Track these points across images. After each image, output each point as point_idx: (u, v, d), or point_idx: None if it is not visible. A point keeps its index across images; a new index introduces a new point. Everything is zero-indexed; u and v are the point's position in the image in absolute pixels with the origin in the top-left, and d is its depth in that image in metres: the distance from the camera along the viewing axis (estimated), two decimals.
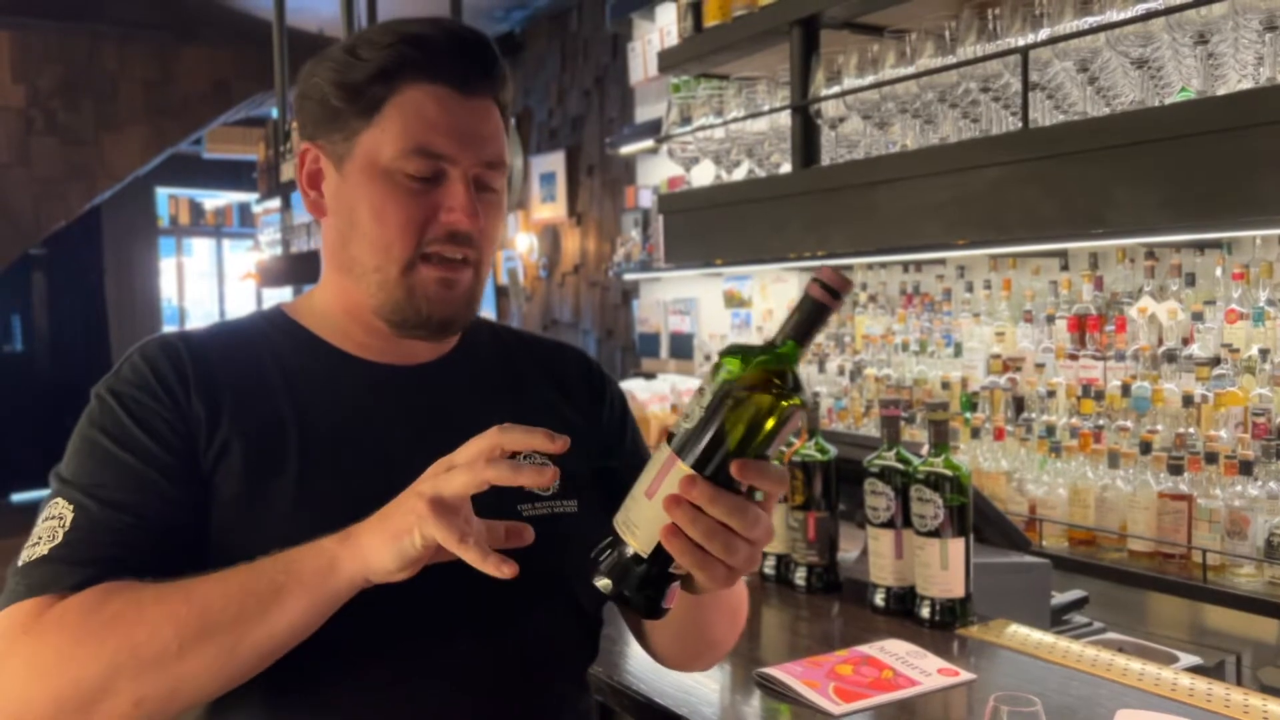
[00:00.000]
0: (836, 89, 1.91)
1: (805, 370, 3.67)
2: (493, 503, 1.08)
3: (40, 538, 0.96)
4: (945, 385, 3.08)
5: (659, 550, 0.84)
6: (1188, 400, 2.39)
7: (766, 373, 0.83)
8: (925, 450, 1.73)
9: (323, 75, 1.08)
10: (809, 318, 0.85)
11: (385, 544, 0.86)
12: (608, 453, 1.21)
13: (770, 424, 0.83)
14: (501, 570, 0.82)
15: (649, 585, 0.87)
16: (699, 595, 0.93)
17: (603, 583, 0.87)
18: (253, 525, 0.99)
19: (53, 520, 0.96)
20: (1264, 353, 2.38)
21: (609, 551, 0.87)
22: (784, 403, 0.83)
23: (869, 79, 1.85)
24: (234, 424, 1.03)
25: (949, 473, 1.65)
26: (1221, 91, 1.43)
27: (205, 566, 0.95)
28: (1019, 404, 2.78)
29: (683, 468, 0.83)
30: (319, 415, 1.07)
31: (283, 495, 1.01)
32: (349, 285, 1.10)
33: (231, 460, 1.01)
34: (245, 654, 0.89)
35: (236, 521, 1.00)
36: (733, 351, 0.85)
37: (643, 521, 0.85)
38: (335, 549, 0.89)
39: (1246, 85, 1.44)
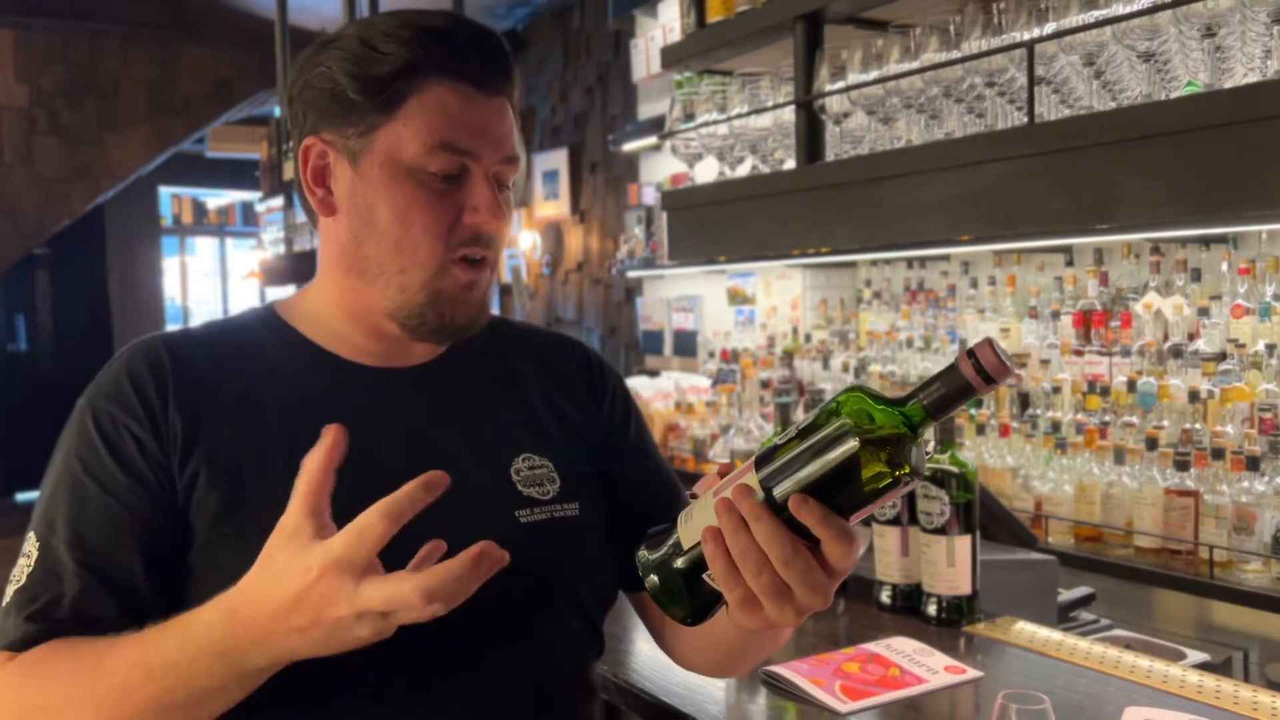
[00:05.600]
0: (841, 84, 1.90)
1: (809, 367, 3.66)
2: (490, 513, 1.05)
3: (14, 576, 0.97)
4: None
5: (697, 550, 0.80)
6: (1194, 396, 2.38)
7: (879, 430, 0.74)
8: (930, 447, 1.72)
9: (335, 66, 1.02)
10: (951, 396, 0.73)
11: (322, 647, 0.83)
12: (609, 449, 1.19)
13: (860, 484, 0.74)
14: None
15: (687, 587, 0.82)
16: (739, 628, 0.87)
17: (650, 580, 0.84)
18: (237, 541, 0.93)
19: (23, 559, 0.97)
20: (1270, 348, 2.37)
21: (659, 536, 0.84)
22: (885, 469, 0.74)
23: (873, 74, 1.84)
24: (216, 436, 1.00)
25: (955, 469, 1.64)
26: (1228, 85, 1.42)
27: (185, 584, 0.96)
28: (1024, 400, 2.77)
29: (752, 478, 0.78)
30: (310, 424, 0.98)
31: (270, 508, 0.89)
32: (358, 287, 1.06)
33: (212, 475, 0.98)
34: None
35: (219, 536, 0.97)
36: (857, 390, 0.76)
37: (698, 516, 0.81)
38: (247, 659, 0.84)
39: (1253, 79, 1.43)
